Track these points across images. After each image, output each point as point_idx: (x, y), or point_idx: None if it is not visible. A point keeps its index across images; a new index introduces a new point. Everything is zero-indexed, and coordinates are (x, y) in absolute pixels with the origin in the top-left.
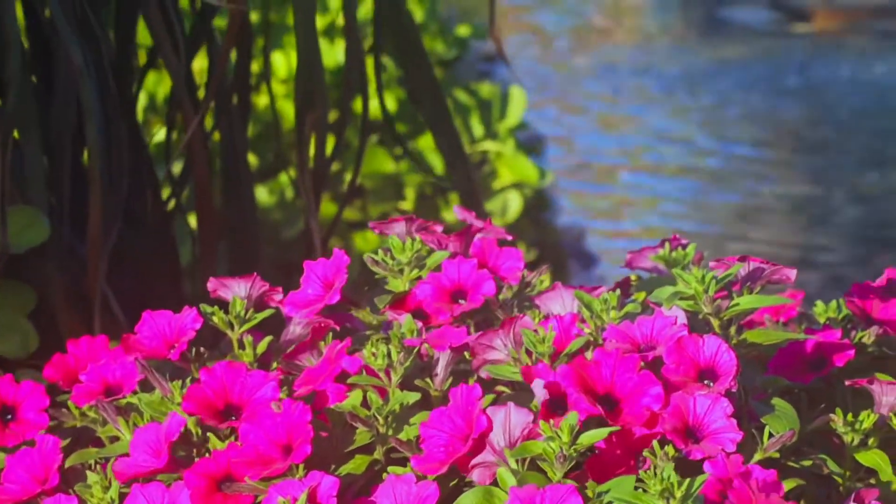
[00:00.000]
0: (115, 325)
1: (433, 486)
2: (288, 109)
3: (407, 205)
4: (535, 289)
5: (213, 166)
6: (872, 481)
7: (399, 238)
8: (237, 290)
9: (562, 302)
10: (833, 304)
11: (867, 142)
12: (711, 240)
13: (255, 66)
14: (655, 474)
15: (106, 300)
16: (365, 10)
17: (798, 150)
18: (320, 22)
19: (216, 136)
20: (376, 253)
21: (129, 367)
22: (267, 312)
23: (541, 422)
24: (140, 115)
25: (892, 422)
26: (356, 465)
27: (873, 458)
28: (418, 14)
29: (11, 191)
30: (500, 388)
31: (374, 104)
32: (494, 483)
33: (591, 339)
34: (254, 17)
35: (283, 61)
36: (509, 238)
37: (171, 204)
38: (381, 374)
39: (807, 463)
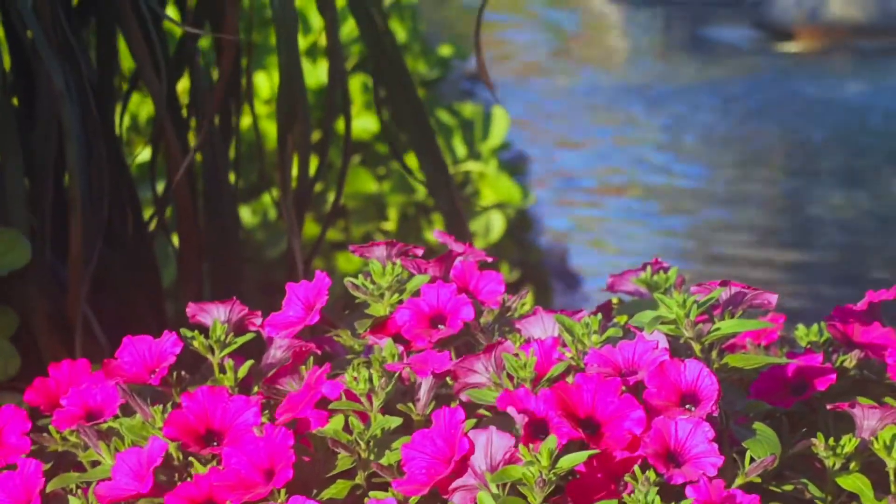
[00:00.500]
0: (97, 347)
1: None
2: (271, 130)
3: (390, 225)
4: (516, 312)
5: (197, 187)
6: None
7: (379, 262)
8: (217, 315)
9: (543, 326)
10: (815, 327)
11: (842, 161)
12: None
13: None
14: (637, 499)
15: (87, 322)
16: (348, 30)
17: (774, 170)
18: (303, 42)
19: (199, 156)
20: (359, 274)
21: (110, 392)
22: (247, 337)
23: (520, 446)
24: (123, 135)
25: (874, 446)
26: (338, 489)
27: (855, 482)
28: (400, 34)
29: None
30: (482, 411)
31: (356, 124)
32: None
33: (573, 363)
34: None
35: (266, 81)
36: (490, 261)
37: (153, 225)
38: (363, 399)
39: (788, 487)
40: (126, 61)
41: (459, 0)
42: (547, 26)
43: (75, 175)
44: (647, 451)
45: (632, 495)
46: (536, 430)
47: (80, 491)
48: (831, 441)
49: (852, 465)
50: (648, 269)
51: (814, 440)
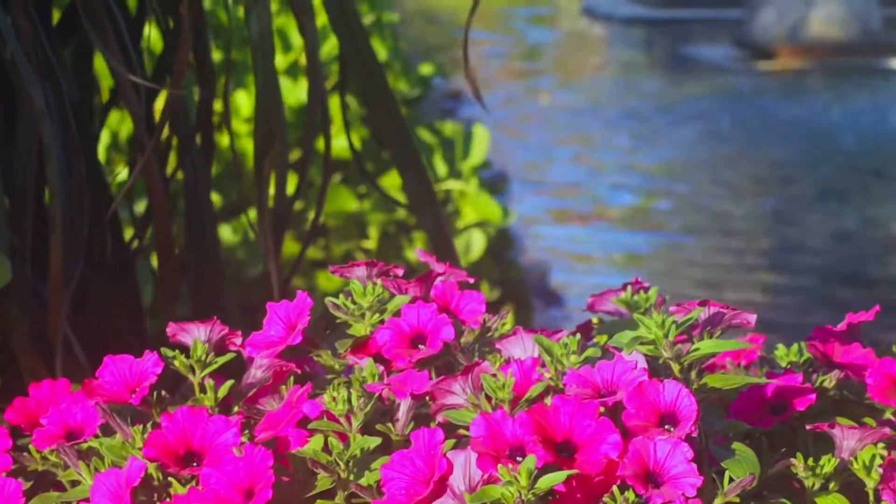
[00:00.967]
0: (78, 366)
1: None
2: (251, 148)
3: (370, 244)
4: (496, 332)
5: (178, 205)
6: None
7: (360, 282)
8: (197, 335)
9: (523, 346)
10: (794, 347)
11: (818, 179)
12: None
13: (219, 106)
14: None
15: (68, 342)
16: (328, 48)
17: (749, 188)
18: (284, 61)
19: (180, 175)
20: (340, 293)
21: (90, 412)
22: (228, 356)
23: (500, 466)
24: (103, 154)
25: (853, 466)
26: None
27: (834, 502)
28: (382, 53)
29: None
30: (462, 430)
31: (337, 143)
32: None
33: (552, 384)
34: (216, 56)
35: (247, 100)
36: (471, 281)
37: (134, 244)
38: (342, 419)
39: None
40: (106, 79)
41: (441, 18)
42: (528, 47)
43: (56, 194)
44: (626, 471)
45: None
46: (514, 452)
47: None
48: (810, 461)
49: (831, 485)
50: (629, 288)
51: (793, 460)
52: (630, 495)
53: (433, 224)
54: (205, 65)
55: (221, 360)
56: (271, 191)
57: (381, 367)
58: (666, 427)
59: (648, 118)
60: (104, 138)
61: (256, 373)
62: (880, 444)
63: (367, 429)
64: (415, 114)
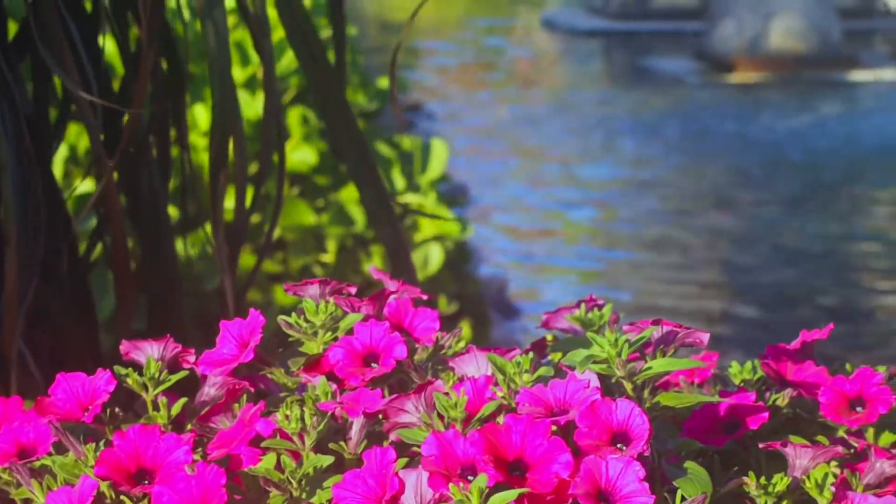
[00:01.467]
0: (33, 382)
1: None
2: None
3: (328, 257)
4: (450, 350)
5: (134, 219)
6: None
7: (313, 300)
8: (151, 352)
9: (476, 364)
10: (748, 365)
11: (776, 193)
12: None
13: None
14: None
15: (22, 358)
16: (286, 61)
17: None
18: (242, 74)
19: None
20: (293, 312)
21: (43, 429)
22: (181, 374)
23: (451, 485)
24: (61, 167)
25: (806, 485)
26: None
27: None
28: None
29: None
30: (415, 449)
31: (294, 156)
32: None
33: (505, 402)
34: None
35: (205, 113)
36: (425, 297)
37: (89, 258)
38: (295, 438)
39: None
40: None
41: (400, 28)
42: (485, 58)
43: (11, 210)
44: (578, 490)
45: None
46: (465, 471)
47: None
48: (763, 480)
49: (784, 503)
50: (583, 306)
51: (745, 479)
52: None
53: (391, 238)
54: (161, 78)
55: (174, 377)
56: (230, 204)
57: (335, 386)
58: (618, 446)
59: (605, 130)
60: (62, 151)
61: (210, 391)
62: (833, 463)
63: (319, 447)
64: (373, 127)
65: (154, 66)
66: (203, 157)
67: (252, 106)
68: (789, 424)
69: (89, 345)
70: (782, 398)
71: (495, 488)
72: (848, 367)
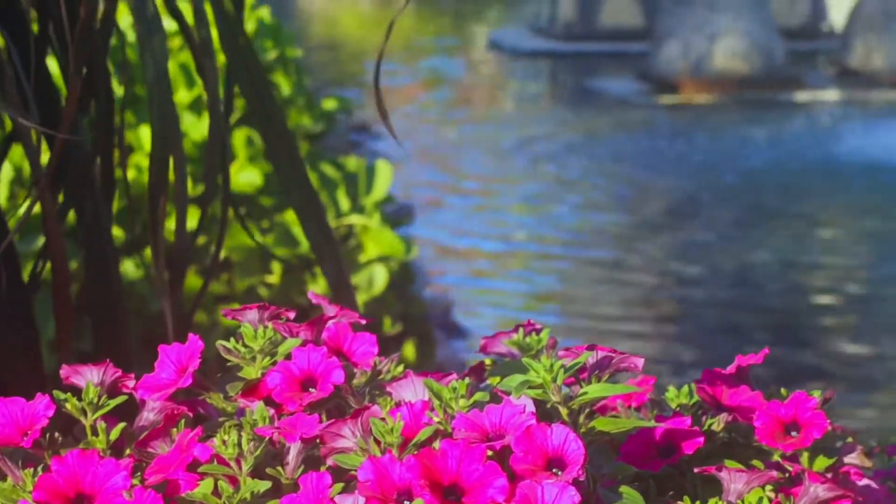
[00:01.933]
0: None
1: None
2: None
3: (273, 278)
4: (388, 374)
5: (81, 240)
6: None
7: (252, 325)
8: (90, 377)
9: (413, 389)
10: (685, 389)
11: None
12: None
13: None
14: None
15: None
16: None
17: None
18: (188, 95)
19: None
20: (231, 337)
21: None
22: (120, 399)
23: None
24: (6, 188)
25: None
26: None
27: None
28: (285, 88)
29: None
30: (352, 474)
31: (240, 178)
32: None
33: (441, 427)
34: (120, 90)
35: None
36: (364, 322)
37: (36, 279)
38: (233, 463)
39: None
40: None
41: (347, 49)
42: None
43: None
44: None
45: None
46: (401, 496)
47: None
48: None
49: None
50: (521, 330)
51: (680, 503)
52: None
53: (333, 270)
54: (103, 100)
55: (113, 402)
56: (172, 226)
57: (272, 411)
58: (554, 471)
59: (548, 151)
60: (7, 172)
61: (148, 415)
62: (768, 487)
63: (257, 472)
64: (318, 149)
65: (96, 90)
66: (146, 178)
67: (198, 127)
68: (725, 449)
69: (32, 366)
70: (717, 423)
71: None
72: (783, 391)
